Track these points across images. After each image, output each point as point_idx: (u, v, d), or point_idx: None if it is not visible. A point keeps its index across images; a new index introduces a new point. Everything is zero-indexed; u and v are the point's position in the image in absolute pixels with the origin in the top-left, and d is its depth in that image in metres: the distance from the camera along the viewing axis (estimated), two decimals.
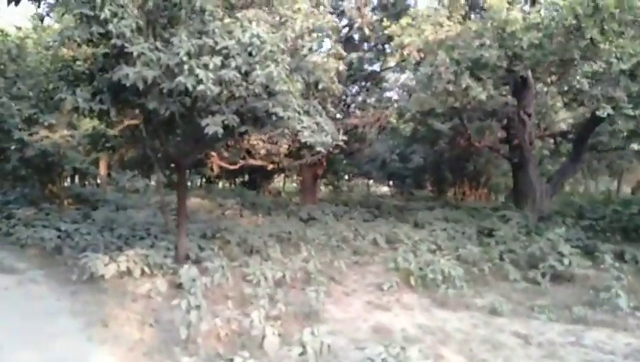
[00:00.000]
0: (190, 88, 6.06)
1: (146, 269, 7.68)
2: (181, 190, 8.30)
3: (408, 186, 33.12)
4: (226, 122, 6.53)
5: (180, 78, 6.05)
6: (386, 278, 8.06)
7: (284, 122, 6.95)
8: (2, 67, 12.41)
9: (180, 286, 7.04)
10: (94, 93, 7.02)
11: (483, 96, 9.18)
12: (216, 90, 6.24)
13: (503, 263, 9.27)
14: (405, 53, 9.48)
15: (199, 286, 6.43)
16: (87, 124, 14.16)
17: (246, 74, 6.48)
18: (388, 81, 21.75)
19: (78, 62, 7.62)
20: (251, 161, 13.33)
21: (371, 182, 38.30)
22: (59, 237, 10.79)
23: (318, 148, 7.55)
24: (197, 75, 6.06)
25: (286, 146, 12.97)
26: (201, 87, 6.09)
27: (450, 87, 9.42)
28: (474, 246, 10.25)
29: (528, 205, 12.76)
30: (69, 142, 11.77)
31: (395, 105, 20.84)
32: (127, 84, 6.29)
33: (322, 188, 31.39)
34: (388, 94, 23.51)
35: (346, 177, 35.76)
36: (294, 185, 33.65)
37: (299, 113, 7.16)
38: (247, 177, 30.55)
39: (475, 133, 19.70)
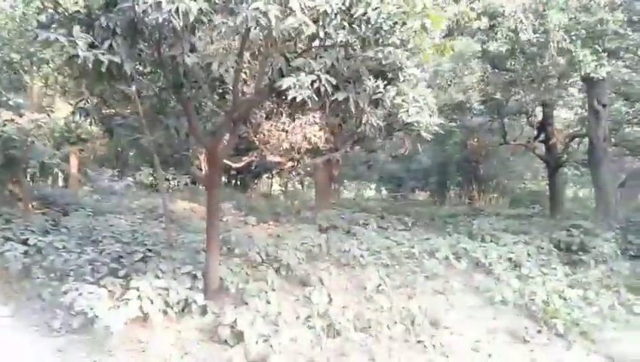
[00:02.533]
0: (272, 22, 3.62)
1: (169, 311, 5.13)
2: (213, 192, 5.75)
3: (406, 190, 31.17)
4: (315, 85, 4.10)
5: (258, 5, 3.59)
6: (509, 320, 5.79)
7: (395, 89, 4.58)
8: None
9: (227, 342, 4.57)
10: (99, 39, 4.44)
11: (603, 72, 7.07)
12: (312, 28, 3.83)
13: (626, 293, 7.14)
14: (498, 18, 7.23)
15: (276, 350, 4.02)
16: (63, 109, 11.41)
17: (349, 7, 4.10)
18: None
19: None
20: (270, 157, 10.88)
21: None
22: (25, 253, 8.00)
23: (424, 134, 5.23)
24: (285, 1, 3.64)
25: (309, 138, 10.52)
26: (289, 21, 3.67)
27: (561, 60, 7.30)
28: (567, 268, 8.19)
29: (599, 213, 10.80)
30: (41, 129, 8.97)
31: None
32: (154, 22, 3.81)
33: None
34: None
35: None
36: (279, 187, 30.86)
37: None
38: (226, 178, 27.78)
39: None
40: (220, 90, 6.09)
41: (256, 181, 29.20)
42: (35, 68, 8.51)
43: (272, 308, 5.03)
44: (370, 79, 4.57)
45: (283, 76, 4.31)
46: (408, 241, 10.27)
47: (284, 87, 3.94)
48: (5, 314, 5.53)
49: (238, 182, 28.15)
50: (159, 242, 9.31)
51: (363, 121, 4.92)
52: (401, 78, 4.52)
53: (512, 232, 10.50)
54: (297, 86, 3.97)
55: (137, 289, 5.18)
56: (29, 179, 16.71)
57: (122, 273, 6.83)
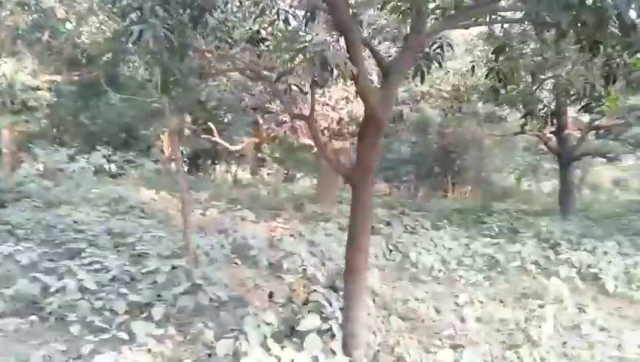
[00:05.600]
0: None
1: None
2: (365, 190, 3.35)
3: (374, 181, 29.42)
4: None
5: None
6: None
7: None
8: None
9: None
10: None
11: None
12: None
13: None
14: None
15: None
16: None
17: None
18: None
19: None
20: (303, 139, 8.37)
21: None
22: None
23: None
24: None
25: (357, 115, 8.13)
26: None
27: None
28: None
29: None
30: None
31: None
32: None
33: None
34: None
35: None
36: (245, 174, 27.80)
37: None
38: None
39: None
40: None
41: (214, 167, 26.14)
42: None
43: None
44: None
45: None
46: (467, 246, 8.46)
47: None
48: None
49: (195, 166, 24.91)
50: (170, 250, 6.71)
51: None
52: None
53: (592, 237, 8.94)
54: None
55: None
56: None
57: (158, 313, 4.28)
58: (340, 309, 4.05)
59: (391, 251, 8.72)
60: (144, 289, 4.89)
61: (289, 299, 4.74)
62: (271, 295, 5.02)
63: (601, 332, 4.92)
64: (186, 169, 24.45)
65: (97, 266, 5.42)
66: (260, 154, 24.02)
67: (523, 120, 13.88)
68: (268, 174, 27.83)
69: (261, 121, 10.27)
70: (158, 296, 4.84)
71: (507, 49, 4.52)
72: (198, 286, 4.57)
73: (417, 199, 20.97)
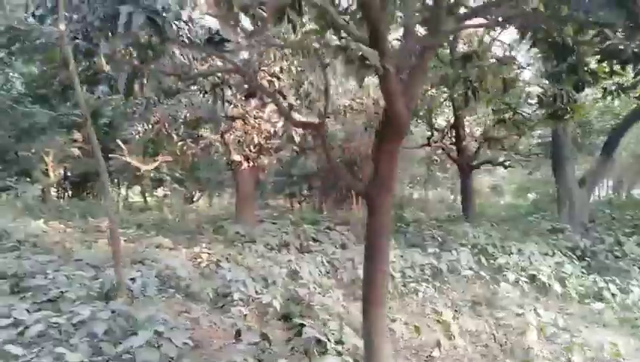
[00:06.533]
0: None
1: None
2: (382, 218, 2.88)
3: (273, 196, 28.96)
4: None
5: None
6: None
7: None
8: None
9: None
10: None
11: None
12: None
13: None
14: None
15: None
16: None
17: None
18: None
19: None
20: (234, 156, 7.65)
21: None
22: None
23: None
24: None
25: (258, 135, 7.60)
26: None
27: None
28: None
29: (564, 214, 10.62)
30: None
31: None
32: None
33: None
34: None
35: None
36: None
37: None
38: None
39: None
40: None
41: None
42: None
43: None
44: None
45: None
46: (403, 257, 8.44)
47: None
48: None
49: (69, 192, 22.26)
50: (88, 289, 5.64)
51: None
52: None
53: (512, 240, 9.46)
54: None
55: None
56: None
57: None
58: (336, 342, 3.61)
59: (328, 271, 8.44)
60: (79, 344, 3.94)
61: (263, 337, 4.16)
62: (239, 333, 4.37)
63: (565, 333, 5.04)
64: (70, 194, 21.93)
65: (8, 321, 4.29)
66: (152, 174, 22.41)
67: (429, 133, 14.55)
68: (165, 195, 26.02)
69: (175, 138, 9.38)
70: (91, 349, 3.92)
71: (474, 57, 4.49)
72: (159, 333, 3.77)
73: (324, 213, 21.00)
